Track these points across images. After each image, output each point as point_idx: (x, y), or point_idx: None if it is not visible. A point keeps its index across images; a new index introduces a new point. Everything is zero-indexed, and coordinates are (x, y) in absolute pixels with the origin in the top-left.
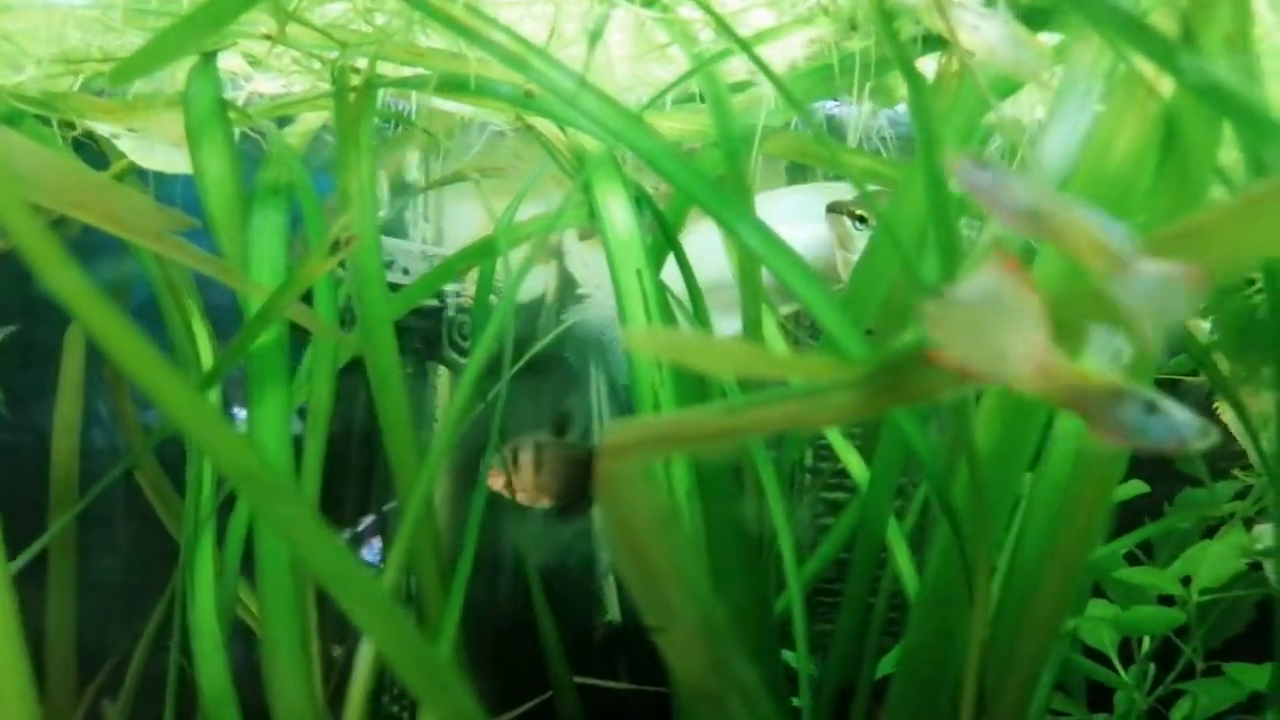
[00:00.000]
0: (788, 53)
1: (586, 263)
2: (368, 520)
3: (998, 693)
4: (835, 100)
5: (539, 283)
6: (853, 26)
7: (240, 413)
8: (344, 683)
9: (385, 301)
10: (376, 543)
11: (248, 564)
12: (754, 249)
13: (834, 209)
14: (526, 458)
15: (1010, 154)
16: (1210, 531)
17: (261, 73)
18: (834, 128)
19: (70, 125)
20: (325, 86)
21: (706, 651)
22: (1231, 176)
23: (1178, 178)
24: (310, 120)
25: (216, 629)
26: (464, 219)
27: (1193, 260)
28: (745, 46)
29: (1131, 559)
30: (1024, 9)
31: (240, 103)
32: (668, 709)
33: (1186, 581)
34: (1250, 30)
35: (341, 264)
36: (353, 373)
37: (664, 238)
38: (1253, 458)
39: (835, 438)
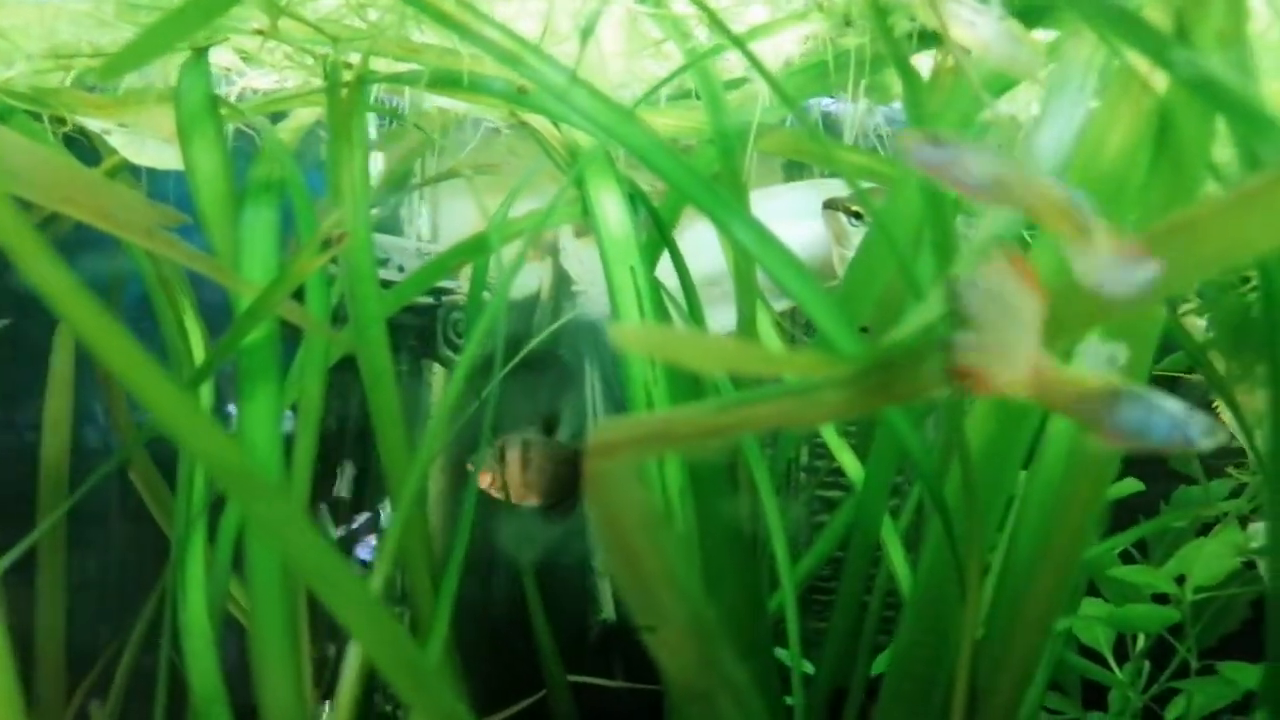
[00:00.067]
0: (783, 49)
1: (582, 259)
2: (363, 518)
3: (990, 691)
4: (831, 97)
5: (534, 280)
6: (847, 22)
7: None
8: (337, 681)
9: (377, 299)
10: (372, 540)
11: (242, 561)
12: (747, 246)
13: (830, 205)
14: (514, 456)
15: (1006, 151)
16: (1205, 529)
17: (254, 68)
18: (830, 125)
19: (61, 121)
20: (318, 82)
21: (696, 650)
22: (1226, 173)
23: (1171, 174)
24: (303, 116)
25: (208, 627)
26: (460, 216)
27: (1186, 255)
28: (739, 42)
29: (1126, 557)
30: (1019, 6)
31: (233, 98)
32: (662, 707)
33: (1181, 580)
34: (1244, 25)
35: (334, 261)
36: (348, 370)
37: (658, 234)
38: (1249, 455)
39: (830, 436)
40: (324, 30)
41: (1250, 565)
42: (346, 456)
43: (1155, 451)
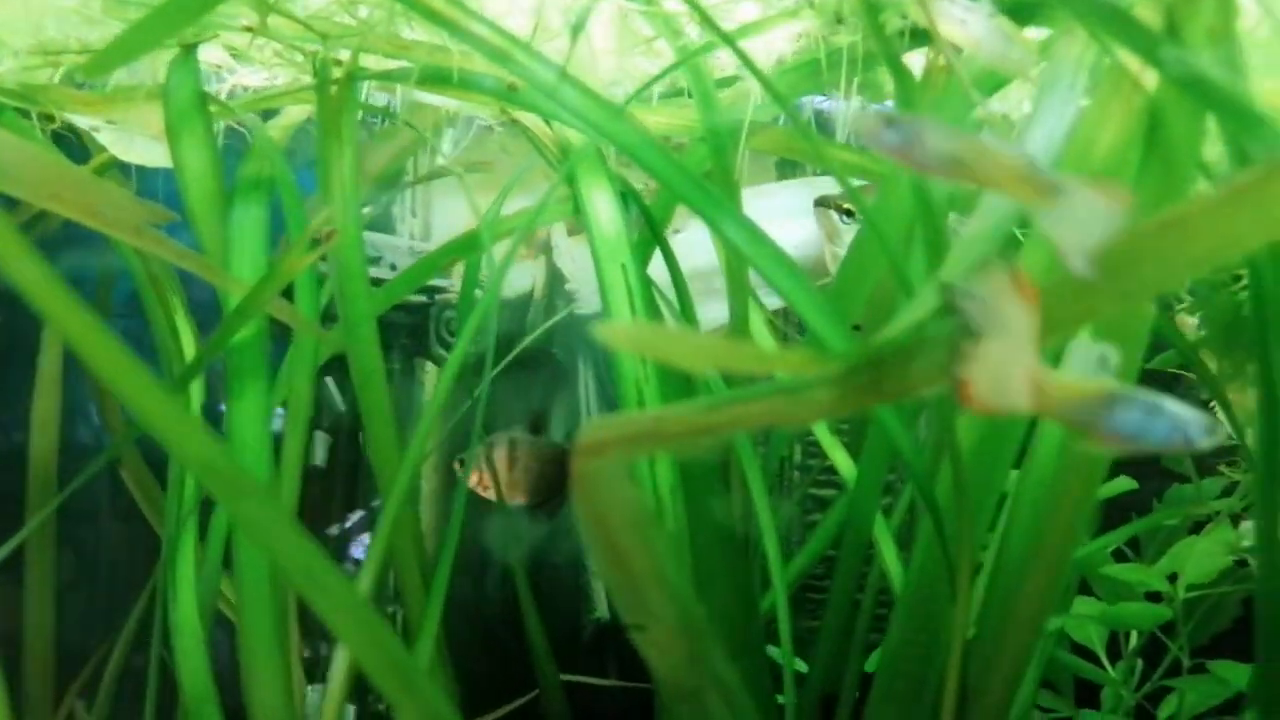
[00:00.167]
0: (775, 47)
1: (575, 258)
2: (356, 516)
3: (981, 690)
4: (824, 95)
5: (528, 278)
6: (838, 20)
7: None
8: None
9: (367, 297)
10: (365, 539)
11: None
12: (738, 244)
13: (821, 203)
14: (500, 455)
15: None
16: (1198, 528)
17: (245, 65)
18: (822, 123)
19: (50, 118)
20: (308, 79)
21: (685, 649)
22: (1216, 171)
23: (1162, 171)
24: (295, 113)
25: (198, 626)
26: (453, 214)
27: (1176, 253)
28: (728, 40)
29: (1119, 556)
30: (1010, 4)
31: (223, 96)
32: (655, 706)
33: (1173, 578)
34: (1233, 22)
35: (324, 259)
36: (342, 369)
37: (650, 233)
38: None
39: (823, 434)
40: (313, 27)
41: (1242, 563)
42: (341, 454)
43: (1160, 452)
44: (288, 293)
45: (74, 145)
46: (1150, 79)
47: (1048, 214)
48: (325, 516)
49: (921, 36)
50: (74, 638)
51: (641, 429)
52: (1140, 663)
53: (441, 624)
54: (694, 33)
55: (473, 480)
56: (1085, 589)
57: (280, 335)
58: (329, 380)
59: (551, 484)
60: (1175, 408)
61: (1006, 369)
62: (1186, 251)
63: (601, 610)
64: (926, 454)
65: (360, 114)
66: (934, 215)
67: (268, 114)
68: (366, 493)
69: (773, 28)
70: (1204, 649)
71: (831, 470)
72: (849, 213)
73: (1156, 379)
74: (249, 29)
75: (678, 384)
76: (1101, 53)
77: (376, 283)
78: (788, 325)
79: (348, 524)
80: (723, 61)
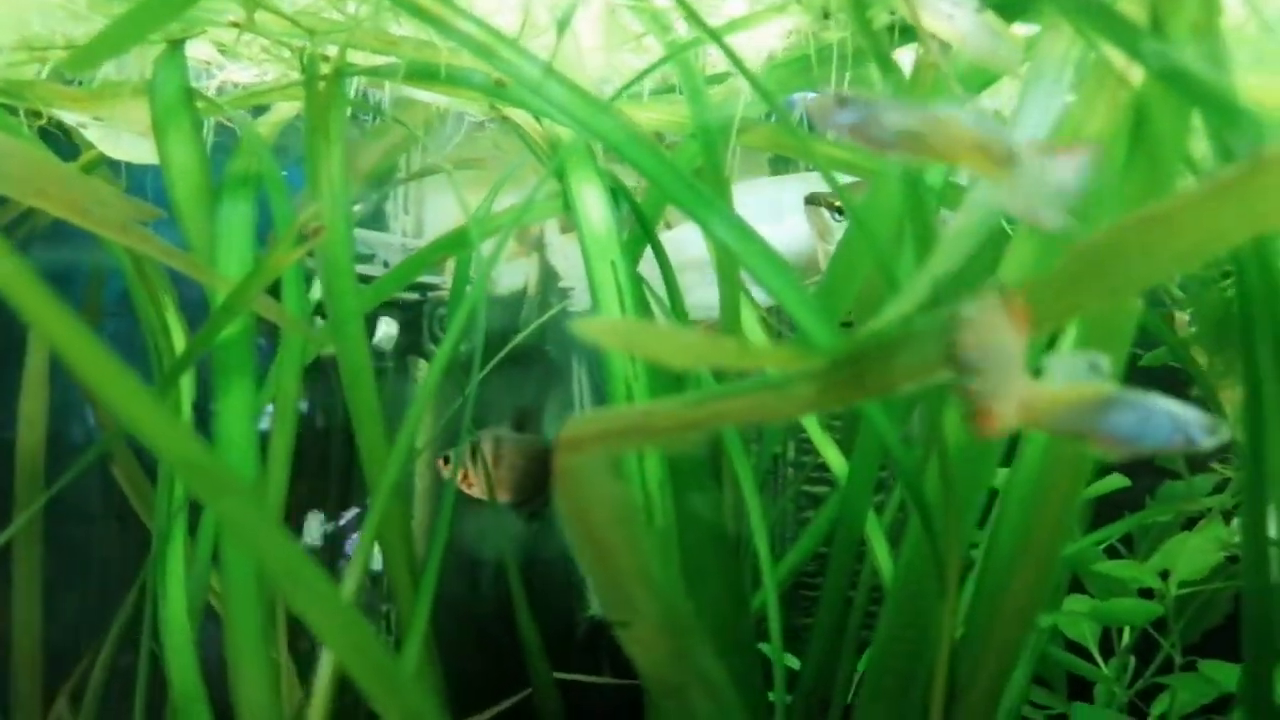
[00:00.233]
0: (765, 43)
1: (568, 255)
2: (350, 514)
3: (969, 686)
4: (815, 92)
5: (521, 276)
6: (825, 15)
7: None
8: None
9: (355, 294)
10: (358, 536)
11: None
12: (725, 241)
13: (812, 201)
14: (486, 452)
15: None
16: (1190, 524)
17: (233, 61)
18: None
19: (37, 114)
20: (297, 75)
21: (669, 645)
22: (1202, 166)
23: (1147, 167)
24: (285, 110)
25: (187, 625)
26: (445, 211)
27: (1161, 248)
28: (714, 36)
29: (1112, 552)
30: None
31: (213, 92)
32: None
33: (1165, 575)
34: (1216, 17)
35: (312, 255)
36: (336, 367)
37: (641, 230)
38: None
39: (814, 430)
40: (300, 23)
41: (1234, 560)
42: (334, 452)
43: (1162, 453)
44: (275, 291)
45: (62, 142)
46: (1135, 74)
47: (1007, 183)
48: None
49: (911, 32)
50: (64, 635)
51: (625, 424)
52: (1133, 660)
53: (433, 622)
54: (683, 29)
55: (459, 478)
56: (1079, 586)
57: (274, 333)
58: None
59: (537, 481)
60: (1174, 408)
61: (1001, 392)
62: (1171, 247)
63: (594, 607)
64: (916, 450)
65: (350, 110)
66: (924, 211)
67: (259, 110)
68: (361, 491)
69: (761, 23)
70: (1196, 645)
71: (825, 467)
72: (840, 210)
73: (1164, 378)
74: (236, 25)
75: (667, 380)
76: (1087, 48)
77: (370, 280)
78: (780, 322)
79: (342, 521)
80: (715, 58)
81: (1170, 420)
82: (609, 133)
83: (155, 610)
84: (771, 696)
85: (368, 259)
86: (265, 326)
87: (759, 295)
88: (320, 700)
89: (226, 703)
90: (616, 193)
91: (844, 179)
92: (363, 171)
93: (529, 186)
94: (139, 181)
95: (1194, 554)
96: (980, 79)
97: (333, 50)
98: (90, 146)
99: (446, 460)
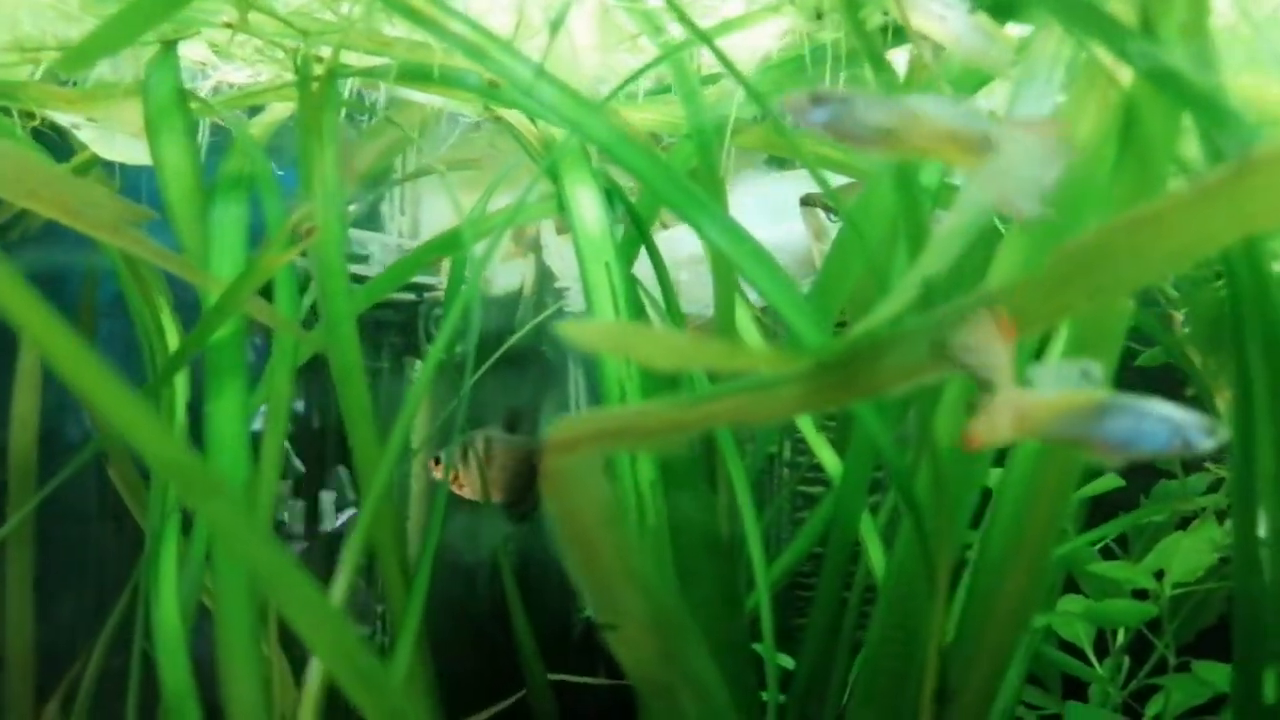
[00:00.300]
0: (761, 44)
1: (564, 255)
2: (347, 515)
3: (962, 688)
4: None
5: (517, 276)
6: (818, 15)
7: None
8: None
9: (348, 295)
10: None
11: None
12: (716, 241)
13: (808, 202)
14: (477, 453)
15: None
16: (1185, 523)
17: (227, 62)
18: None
19: (30, 115)
20: (290, 76)
21: (656, 646)
22: (1193, 167)
23: (1137, 167)
24: (279, 110)
25: (179, 625)
26: (441, 211)
27: (1151, 249)
28: (704, 38)
29: (1107, 553)
30: (992, 0)
31: (208, 92)
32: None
33: (1160, 575)
34: (1205, 18)
35: (306, 255)
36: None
37: (636, 230)
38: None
39: (809, 431)
40: (294, 24)
41: (1227, 560)
42: (331, 453)
43: (1160, 456)
44: (268, 292)
45: (57, 144)
46: (1126, 74)
47: (981, 172)
48: None
49: (905, 33)
50: (58, 636)
51: (613, 426)
52: (1127, 660)
53: (426, 623)
54: (678, 29)
55: (451, 479)
56: (1074, 586)
57: (269, 334)
58: None
59: (528, 482)
60: (1170, 411)
61: (993, 406)
62: (1160, 248)
63: (590, 608)
64: (909, 450)
65: (344, 111)
66: (918, 211)
67: (254, 111)
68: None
69: (754, 24)
70: (1190, 646)
71: (820, 467)
72: (836, 211)
73: (1160, 377)
74: (229, 25)
75: (661, 381)
76: (1078, 48)
77: (365, 280)
78: (776, 322)
79: (339, 522)
80: (710, 58)
81: (1168, 424)
82: (600, 134)
83: (148, 611)
84: (765, 696)
85: (364, 259)
86: (261, 327)
87: (754, 295)
88: (310, 701)
89: (220, 703)
90: (611, 193)
91: (842, 179)
92: (358, 172)
93: (525, 187)
94: (134, 183)
95: (1188, 554)
96: (974, 80)
97: (326, 51)
98: (84, 148)
99: (438, 461)
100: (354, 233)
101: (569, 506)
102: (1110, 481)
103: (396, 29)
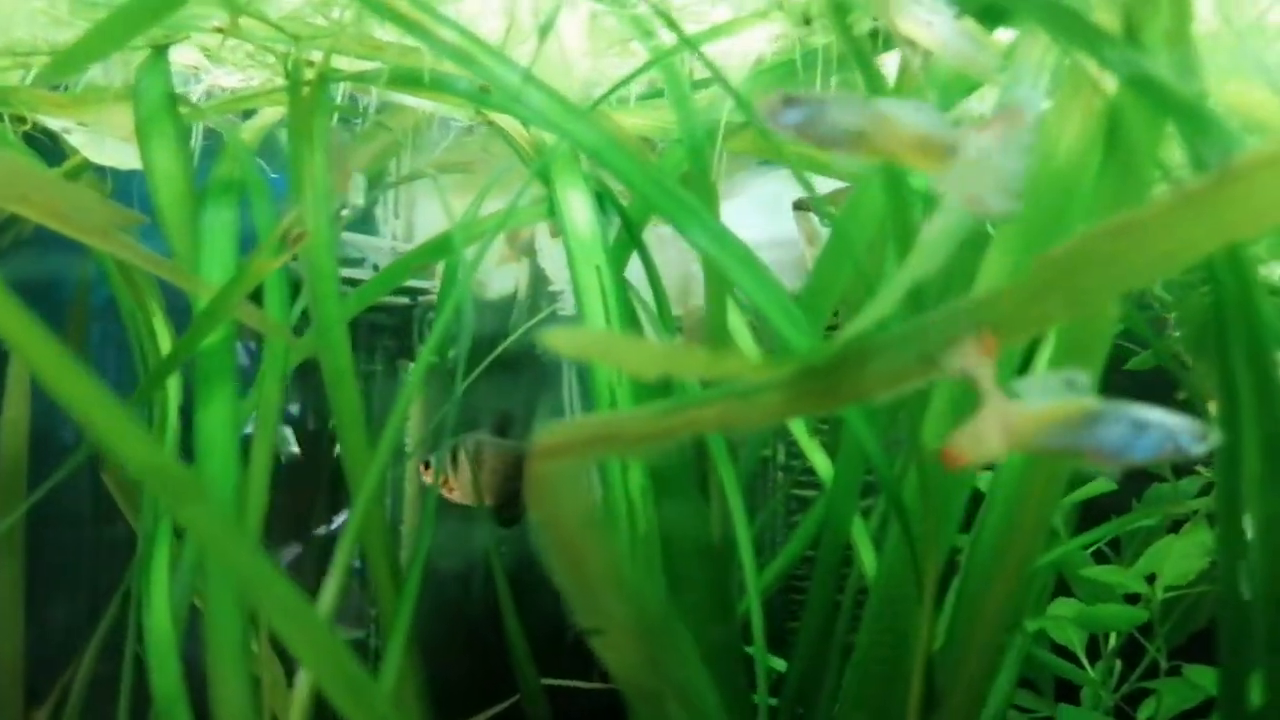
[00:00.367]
0: (753, 48)
1: (558, 259)
2: (340, 519)
3: (950, 690)
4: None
5: (511, 280)
6: (806, 21)
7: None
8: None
9: (338, 299)
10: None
11: None
12: (704, 246)
13: (800, 206)
14: (464, 457)
15: None
16: (1176, 527)
17: (219, 67)
18: None
19: (21, 119)
20: (281, 80)
21: (641, 651)
22: (1178, 174)
23: (1121, 174)
24: (271, 114)
25: (170, 630)
26: (435, 215)
27: (1134, 256)
28: (690, 43)
29: (1100, 556)
30: (980, 6)
31: (199, 96)
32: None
33: (1151, 579)
34: (1189, 26)
35: (298, 259)
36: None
37: (627, 234)
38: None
39: (801, 435)
40: (284, 29)
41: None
42: (324, 458)
43: (1154, 462)
44: (257, 297)
45: (49, 148)
46: (1110, 82)
47: (950, 172)
48: None
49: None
50: (49, 640)
51: (598, 432)
52: (1119, 663)
53: (418, 627)
54: (669, 35)
55: (440, 483)
56: (1065, 590)
57: (261, 339)
58: None
59: (517, 487)
60: (1161, 417)
61: (980, 423)
62: (1142, 255)
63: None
64: (898, 455)
65: (336, 115)
66: (907, 214)
67: (247, 115)
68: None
69: (743, 30)
70: (1181, 649)
71: (814, 471)
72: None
73: (1150, 381)
74: (220, 30)
75: (651, 386)
76: (1062, 55)
77: (358, 284)
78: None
79: (333, 526)
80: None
81: (1160, 430)
82: (587, 139)
83: (139, 615)
84: (756, 699)
85: (358, 263)
86: (254, 332)
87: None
88: (300, 705)
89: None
90: (603, 197)
91: (835, 183)
92: (351, 175)
93: (517, 191)
94: (125, 187)
95: (1179, 558)
96: (962, 85)
97: (318, 56)
98: (75, 152)
99: (428, 465)
100: (349, 236)
101: (553, 512)
102: (1102, 485)
103: (387, 33)
